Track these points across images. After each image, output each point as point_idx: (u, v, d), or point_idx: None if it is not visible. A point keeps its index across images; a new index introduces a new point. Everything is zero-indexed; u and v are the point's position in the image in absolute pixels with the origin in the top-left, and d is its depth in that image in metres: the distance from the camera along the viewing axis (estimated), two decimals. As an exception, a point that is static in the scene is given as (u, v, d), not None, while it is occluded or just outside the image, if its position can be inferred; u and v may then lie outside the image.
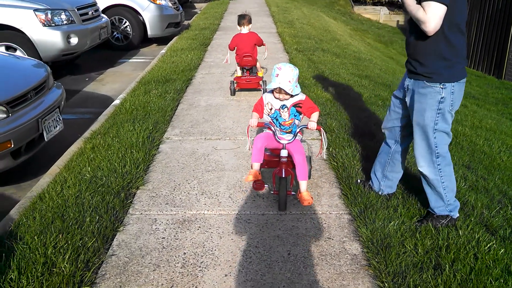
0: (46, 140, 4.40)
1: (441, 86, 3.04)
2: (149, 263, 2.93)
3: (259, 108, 3.64)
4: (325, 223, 3.37)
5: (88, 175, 3.96)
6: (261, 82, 6.53)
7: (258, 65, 6.59)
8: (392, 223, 3.26)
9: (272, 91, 3.57)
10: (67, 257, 2.86)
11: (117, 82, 8.02)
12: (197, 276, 2.81)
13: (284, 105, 3.54)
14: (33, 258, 2.86)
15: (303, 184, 3.52)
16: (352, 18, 21.77)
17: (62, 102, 4.98)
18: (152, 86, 6.77)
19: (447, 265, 2.83)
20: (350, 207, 3.55)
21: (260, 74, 6.64)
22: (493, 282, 2.71)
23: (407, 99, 3.28)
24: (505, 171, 4.45)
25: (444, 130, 3.16)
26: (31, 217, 3.34)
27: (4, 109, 3.97)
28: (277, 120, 3.61)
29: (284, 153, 3.49)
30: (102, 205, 3.49)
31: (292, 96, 3.51)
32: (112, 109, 5.89)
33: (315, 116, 3.54)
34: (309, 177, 3.75)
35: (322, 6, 21.88)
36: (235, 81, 6.54)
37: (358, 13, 22.83)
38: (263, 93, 6.47)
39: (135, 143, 4.59)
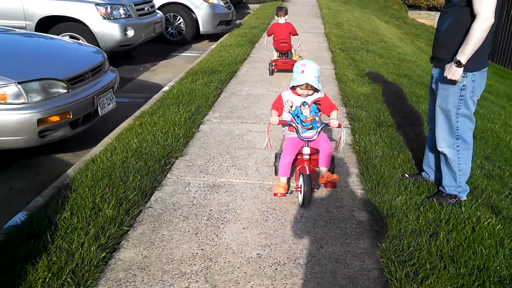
0: (100, 115, 4.98)
1: (463, 75, 3.29)
2: (179, 215, 3.39)
3: (278, 106, 3.69)
4: (339, 195, 3.72)
5: (134, 145, 4.49)
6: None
7: (293, 50, 7.64)
8: (400, 197, 3.57)
9: (291, 89, 3.67)
10: (111, 205, 3.37)
11: (168, 73, 8.62)
12: (219, 227, 3.24)
13: (305, 102, 3.63)
14: (83, 204, 3.38)
15: (324, 170, 3.63)
16: (405, 23, 21.69)
17: (116, 84, 5.55)
18: (199, 76, 7.29)
19: (442, 233, 3.12)
20: (365, 183, 3.88)
21: (295, 58, 7.61)
22: (483, 251, 2.98)
23: (433, 86, 3.58)
24: (525, 164, 4.62)
25: (466, 115, 3.43)
26: (84, 175, 3.88)
27: (65, 85, 4.56)
28: (298, 117, 3.66)
29: (306, 150, 3.55)
30: (144, 168, 3.99)
31: (316, 91, 3.64)
32: (161, 94, 6.45)
33: (334, 114, 3.64)
34: (332, 172, 3.76)
35: (376, 10, 21.94)
36: (273, 63, 7.59)
37: (412, 17, 22.70)
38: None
39: (177, 122, 5.09)
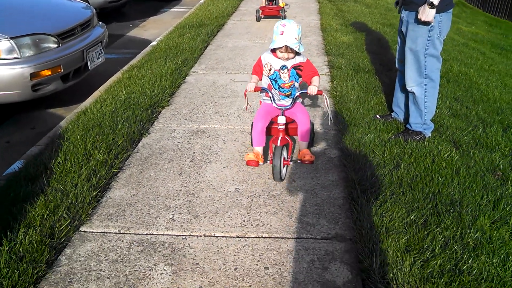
0: (90, 69, 5.20)
1: None
2: (165, 158, 3.68)
3: (258, 69, 3.45)
4: (314, 136, 4.00)
5: (123, 97, 4.73)
6: (280, 10, 7.90)
7: None
8: (369, 135, 3.85)
9: (271, 51, 3.38)
10: (101, 150, 3.65)
11: (157, 28, 8.75)
12: (201, 167, 3.54)
13: (284, 66, 3.35)
14: (75, 151, 3.66)
15: (303, 145, 3.47)
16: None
17: (105, 39, 5.74)
18: (186, 30, 7.45)
19: (404, 165, 3.42)
20: (338, 125, 4.15)
21: (281, 4, 8.00)
22: (440, 178, 3.28)
23: (403, 29, 3.79)
24: (493, 104, 4.87)
25: (434, 54, 3.66)
26: (76, 126, 4.15)
27: (56, 40, 4.77)
28: (276, 81, 3.42)
29: (281, 120, 3.30)
30: (132, 117, 4.25)
31: (297, 54, 3.36)
32: (149, 49, 6.64)
33: (316, 80, 3.34)
34: (312, 144, 3.73)
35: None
36: (260, 10, 8.08)
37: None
38: (282, 19, 7.22)
39: (164, 74, 5.32)
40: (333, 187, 3.27)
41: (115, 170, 3.47)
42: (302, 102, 3.57)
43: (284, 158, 3.25)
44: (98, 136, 3.88)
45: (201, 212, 3.02)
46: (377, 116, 4.28)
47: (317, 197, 3.15)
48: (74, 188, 3.17)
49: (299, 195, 3.17)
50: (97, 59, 5.34)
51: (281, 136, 3.27)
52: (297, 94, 3.33)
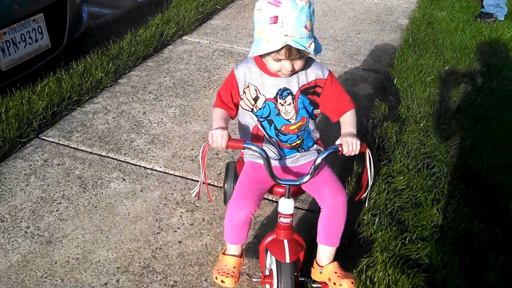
0: None
1: None
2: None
3: (228, 98, 1.67)
4: (393, 7, 4.47)
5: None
6: None
7: None
8: (442, 12, 4.23)
9: (255, 61, 1.64)
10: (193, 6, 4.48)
11: None
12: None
13: (285, 89, 1.64)
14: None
15: (328, 251, 1.69)
16: None
17: None
18: None
19: (460, 33, 3.82)
20: (420, 1, 4.54)
21: None
22: (490, 49, 3.64)
23: None
24: None
25: None
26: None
27: None
28: (271, 123, 1.69)
29: (286, 208, 1.60)
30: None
31: (310, 62, 1.65)
32: None
33: (350, 120, 1.65)
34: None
35: None
36: None
37: None
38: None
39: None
40: (391, 42, 3.80)
41: (218, 7, 4.32)
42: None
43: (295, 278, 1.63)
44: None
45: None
46: None
47: (374, 45, 3.73)
48: (184, 12, 4.08)
49: (358, 42, 3.77)
50: None
51: (287, 242, 1.62)
52: (319, 160, 1.51)
